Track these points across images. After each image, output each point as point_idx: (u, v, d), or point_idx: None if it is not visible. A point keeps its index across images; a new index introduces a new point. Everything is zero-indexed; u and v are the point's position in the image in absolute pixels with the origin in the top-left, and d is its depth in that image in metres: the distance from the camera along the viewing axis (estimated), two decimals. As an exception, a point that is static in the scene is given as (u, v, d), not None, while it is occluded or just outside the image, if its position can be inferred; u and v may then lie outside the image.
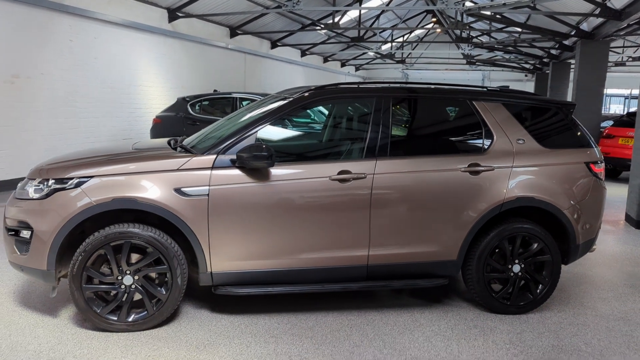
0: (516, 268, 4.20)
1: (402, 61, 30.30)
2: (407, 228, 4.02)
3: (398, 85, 4.36)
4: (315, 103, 4.14)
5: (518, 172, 4.14)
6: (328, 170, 3.89)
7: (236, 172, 3.77)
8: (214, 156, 3.79)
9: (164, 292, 3.75)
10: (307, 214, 3.86)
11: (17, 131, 9.06)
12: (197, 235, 3.72)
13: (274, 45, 19.82)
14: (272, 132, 4.12)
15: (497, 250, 4.19)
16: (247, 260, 3.85)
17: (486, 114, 4.23)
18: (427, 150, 4.20)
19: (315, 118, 7.71)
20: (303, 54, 23.37)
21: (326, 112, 5.27)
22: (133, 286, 3.71)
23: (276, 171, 3.83)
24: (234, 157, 3.76)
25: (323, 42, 21.82)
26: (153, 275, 3.79)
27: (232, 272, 3.86)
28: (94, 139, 10.80)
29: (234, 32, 16.54)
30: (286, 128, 4.19)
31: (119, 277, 3.69)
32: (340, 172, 3.89)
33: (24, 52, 9.17)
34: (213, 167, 3.76)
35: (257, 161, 3.67)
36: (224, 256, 3.81)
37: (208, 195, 3.71)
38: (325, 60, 27.03)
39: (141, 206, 3.62)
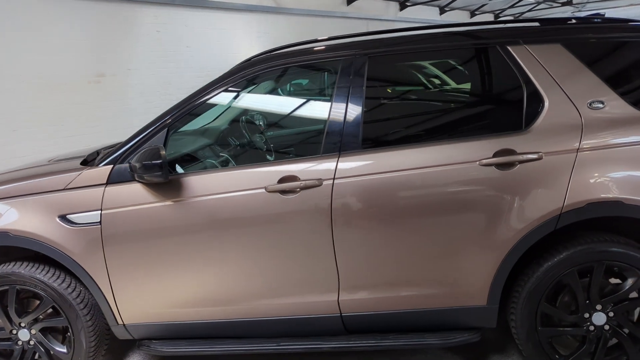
0: (599, 318, 2.50)
1: (569, 2, 26.01)
2: (396, 260, 2.57)
3: (378, 36, 2.82)
4: (245, 81, 2.81)
5: (591, 159, 2.40)
6: (265, 177, 2.61)
7: (137, 187, 2.69)
8: (110, 167, 2.74)
9: (65, 352, 2.85)
10: (240, 244, 2.64)
11: (106, 131, 9.01)
12: (93, 276, 2.74)
13: (403, 6, 18.02)
14: (189, 127, 2.94)
15: (564, 288, 2.54)
16: (173, 309, 2.78)
17: (531, 64, 2.54)
18: (427, 135, 2.67)
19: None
20: (442, 11, 21.05)
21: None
22: (31, 342, 2.87)
23: (194, 183, 2.66)
24: (132, 167, 2.67)
25: (464, -7, 19.35)
26: (61, 327, 2.92)
27: (155, 323, 2.82)
28: (193, 130, 10.50)
29: (350, -2, 15.22)
30: (210, 120, 2.96)
31: (14, 331, 2.87)
32: (283, 179, 2.58)
33: (109, 50, 9.04)
34: (108, 183, 2.72)
35: (148, 174, 2.54)
36: (137, 303, 2.78)
37: (100, 222, 2.69)
38: (472, 14, 24.20)
39: (15, 241, 2.73)
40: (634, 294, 2.51)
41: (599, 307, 2.50)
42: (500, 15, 27.38)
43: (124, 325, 2.82)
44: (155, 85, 9.82)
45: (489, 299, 2.56)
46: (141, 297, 2.75)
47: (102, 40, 8.90)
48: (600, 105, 2.45)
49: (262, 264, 2.64)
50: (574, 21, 2.71)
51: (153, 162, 2.50)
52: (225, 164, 2.99)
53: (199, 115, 2.82)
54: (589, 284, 2.49)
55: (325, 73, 2.93)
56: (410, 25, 2.80)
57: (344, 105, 2.62)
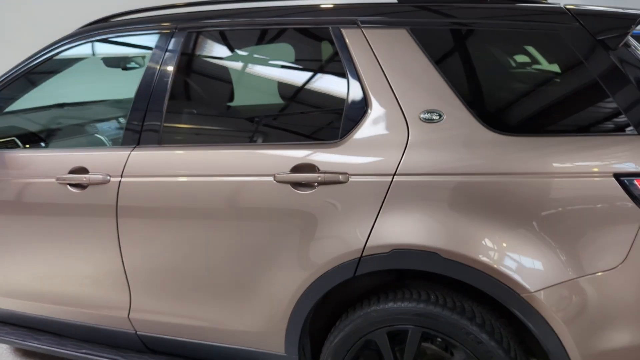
0: (415, 395, 1.91)
1: None
2: (182, 282, 2.15)
3: (209, 8, 2.29)
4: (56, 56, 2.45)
5: (409, 189, 1.78)
6: (58, 165, 2.28)
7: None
8: None
9: None
10: (32, 236, 2.37)
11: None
12: None
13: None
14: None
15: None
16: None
17: (363, 54, 1.91)
18: (234, 135, 2.19)
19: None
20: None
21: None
22: None
23: (-2, 163, 2.41)
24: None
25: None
26: None
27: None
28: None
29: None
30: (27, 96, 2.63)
31: None
32: (73, 171, 2.24)
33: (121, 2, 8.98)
34: None
35: None
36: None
37: None
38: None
39: None
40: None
41: (417, 382, 1.91)
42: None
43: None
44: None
45: (286, 347, 2.05)
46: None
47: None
48: (436, 118, 1.79)
49: (53, 263, 2.36)
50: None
51: None
52: (33, 146, 2.69)
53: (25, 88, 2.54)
54: (403, 352, 1.90)
55: (144, 51, 2.49)
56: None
57: (149, 91, 2.19)
